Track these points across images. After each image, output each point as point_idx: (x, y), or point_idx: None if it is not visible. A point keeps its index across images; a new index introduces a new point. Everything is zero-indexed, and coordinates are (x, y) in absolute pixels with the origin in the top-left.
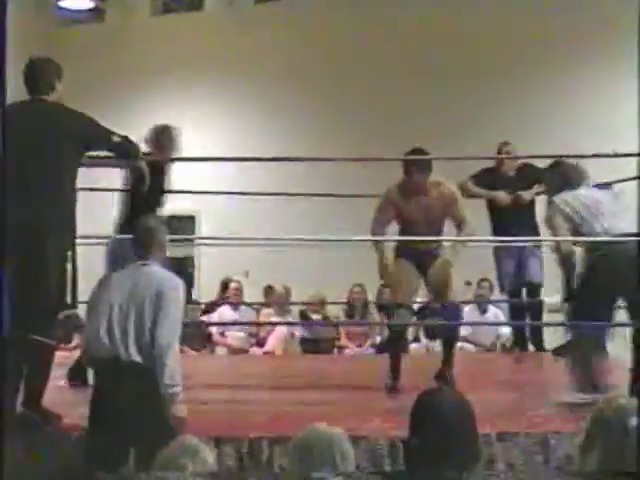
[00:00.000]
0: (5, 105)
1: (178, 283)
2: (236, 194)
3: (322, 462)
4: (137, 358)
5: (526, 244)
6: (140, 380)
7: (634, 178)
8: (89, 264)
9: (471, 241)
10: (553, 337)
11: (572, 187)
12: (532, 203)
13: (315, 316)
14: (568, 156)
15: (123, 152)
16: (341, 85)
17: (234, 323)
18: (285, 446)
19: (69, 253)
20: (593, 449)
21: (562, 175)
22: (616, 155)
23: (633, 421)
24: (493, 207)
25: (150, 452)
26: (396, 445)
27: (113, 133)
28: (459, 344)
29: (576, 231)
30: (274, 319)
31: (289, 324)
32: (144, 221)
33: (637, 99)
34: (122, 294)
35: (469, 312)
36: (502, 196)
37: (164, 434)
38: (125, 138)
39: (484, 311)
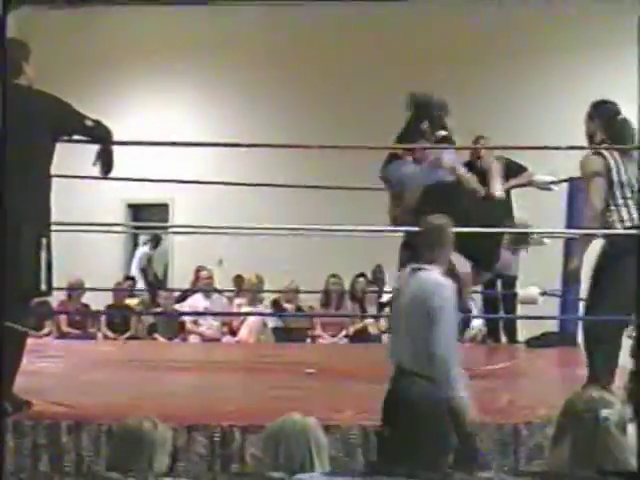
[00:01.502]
0: (5, 105)
1: (449, 289)
2: (210, 183)
3: (297, 452)
4: (412, 365)
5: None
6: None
7: None
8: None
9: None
10: (527, 329)
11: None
12: (507, 197)
13: (288, 305)
14: (544, 148)
15: (96, 136)
16: (320, 72)
17: (209, 313)
18: (257, 435)
19: (44, 240)
20: (564, 441)
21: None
22: (590, 147)
23: (604, 413)
24: None
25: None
26: (369, 435)
27: (86, 117)
28: None
29: (608, 192)
30: (246, 308)
31: (268, 315)
32: (432, 219)
33: (637, 96)
34: (400, 301)
35: None
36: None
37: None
38: (97, 122)
39: None
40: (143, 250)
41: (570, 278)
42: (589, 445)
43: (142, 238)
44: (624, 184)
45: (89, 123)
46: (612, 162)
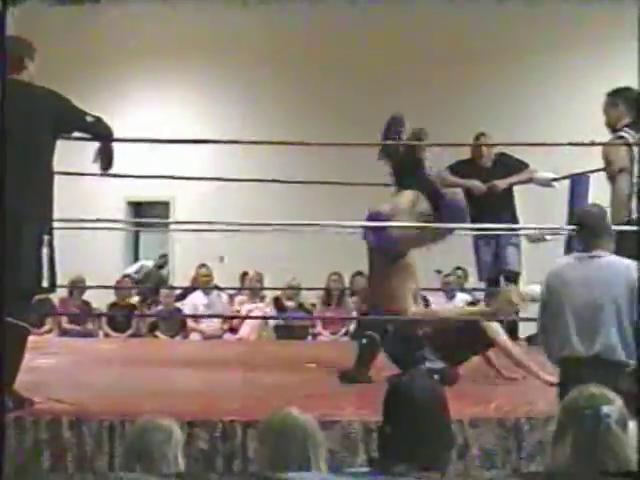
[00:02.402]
0: (5, 104)
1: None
2: (211, 180)
3: (294, 448)
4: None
5: (504, 233)
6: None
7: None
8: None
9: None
10: (528, 326)
11: None
12: (510, 193)
13: (289, 303)
14: (545, 144)
15: (97, 133)
16: (321, 71)
17: (217, 315)
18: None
19: (45, 237)
20: (565, 439)
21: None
22: (591, 144)
23: (605, 410)
24: (470, 197)
25: None
26: (370, 430)
27: (87, 114)
28: None
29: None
30: (247, 305)
31: (268, 318)
32: (592, 209)
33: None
34: (585, 289)
35: (436, 299)
36: (477, 185)
37: None
38: (98, 119)
39: (451, 297)
40: (145, 263)
41: None
42: (590, 442)
43: (142, 251)
44: None
45: (89, 119)
46: (635, 147)
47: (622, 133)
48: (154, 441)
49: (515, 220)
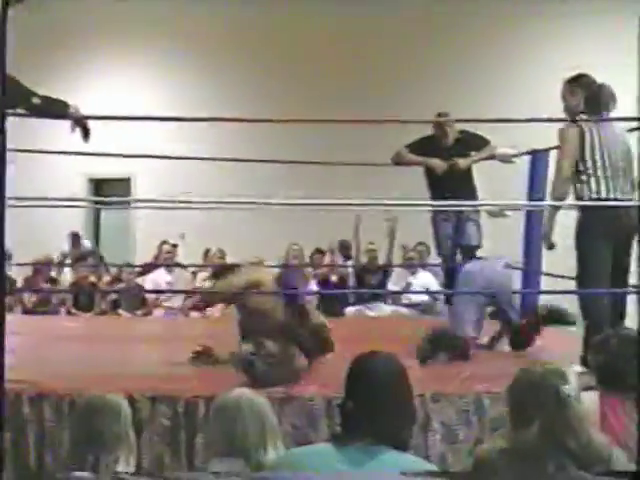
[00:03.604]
0: (5, 103)
1: None
2: (171, 158)
3: (250, 427)
4: None
5: (464, 209)
6: None
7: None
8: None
9: (411, 206)
10: None
11: (598, 111)
12: (469, 170)
13: None
14: (505, 121)
15: (44, 113)
16: (278, 51)
17: (176, 291)
18: None
19: None
20: (525, 418)
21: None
22: (550, 120)
23: (566, 390)
24: (430, 174)
25: None
26: (332, 405)
27: (34, 94)
28: (392, 307)
29: (580, 162)
30: (210, 282)
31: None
32: None
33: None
34: None
35: (399, 275)
36: (438, 163)
37: None
38: (46, 98)
39: (413, 273)
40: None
41: (546, 244)
42: (554, 422)
43: (103, 228)
44: (597, 155)
45: (35, 101)
46: (588, 133)
47: (578, 118)
48: (103, 420)
49: (475, 197)
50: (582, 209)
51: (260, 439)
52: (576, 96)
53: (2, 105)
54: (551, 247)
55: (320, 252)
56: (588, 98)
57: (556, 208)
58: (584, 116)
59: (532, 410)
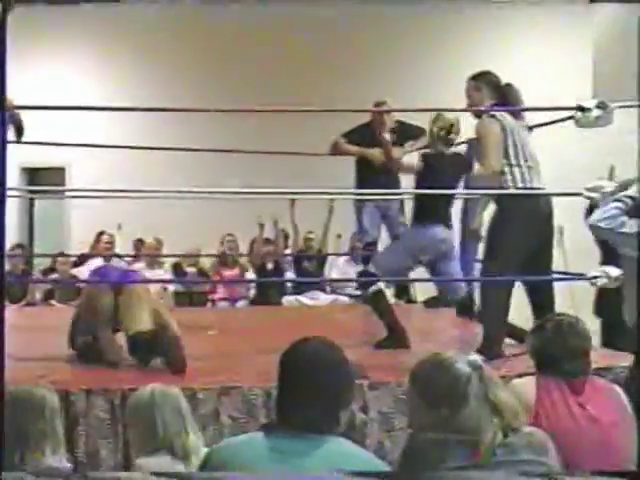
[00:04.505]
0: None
1: None
2: (106, 147)
3: (174, 422)
4: None
5: (391, 199)
6: None
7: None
8: None
9: (344, 194)
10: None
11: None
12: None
13: (190, 269)
14: (439, 110)
15: None
16: (218, 36)
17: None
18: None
19: None
20: (415, 404)
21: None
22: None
23: (472, 361)
24: (363, 162)
25: None
26: (271, 396)
27: None
28: (332, 296)
29: (503, 153)
30: (146, 272)
31: (175, 282)
32: None
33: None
34: None
35: (344, 264)
36: (377, 155)
37: None
38: None
39: (358, 262)
40: None
41: (471, 236)
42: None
43: (37, 218)
44: (517, 146)
45: None
46: (507, 125)
47: (494, 113)
48: (28, 417)
49: (399, 186)
50: (503, 199)
51: (180, 427)
52: (480, 92)
53: (2, 105)
54: (480, 239)
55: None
56: (501, 96)
57: (488, 201)
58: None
59: (443, 392)
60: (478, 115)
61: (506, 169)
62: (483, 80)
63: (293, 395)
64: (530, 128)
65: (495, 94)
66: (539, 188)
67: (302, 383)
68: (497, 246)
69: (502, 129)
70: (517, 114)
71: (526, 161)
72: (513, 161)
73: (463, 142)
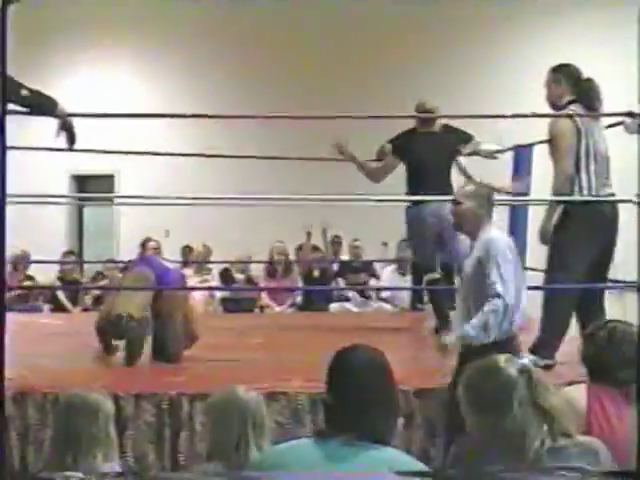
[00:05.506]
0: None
1: None
2: (155, 154)
3: (237, 425)
4: None
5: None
6: None
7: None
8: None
9: (394, 201)
10: None
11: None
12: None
13: (239, 275)
14: (487, 116)
15: (33, 106)
16: (261, 44)
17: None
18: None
19: None
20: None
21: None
22: (535, 115)
23: (523, 363)
24: (411, 169)
25: None
26: (317, 401)
27: (23, 87)
28: (376, 304)
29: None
30: (194, 279)
31: (215, 288)
32: None
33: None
34: None
35: (389, 274)
36: (368, 166)
37: None
38: (36, 93)
39: (404, 274)
40: None
41: (542, 240)
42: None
43: (87, 225)
44: (590, 150)
45: (24, 93)
46: (582, 125)
47: (569, 111)
48: (81, 422)
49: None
50: (569, 204)
51: (243, 439)
52: (559, 85)
53: (3, 105)
54: (547, 242)
55: (316, 248)
56: (580, 92)
57: (557, 204)
58: (574, 108)
59: (491, 396)
60: (554, 105)
61: (574, 175)
62: (563, 73)
63: (342, 402)
64: (607, 126)
65: (575, 88)
66: (606, 195)
67: (354, 390)
68: (562, 254)
69: (577, 131)
70: (595, 111)
71: (596, 163)
72: (582, 166)
73: (509, 149)
